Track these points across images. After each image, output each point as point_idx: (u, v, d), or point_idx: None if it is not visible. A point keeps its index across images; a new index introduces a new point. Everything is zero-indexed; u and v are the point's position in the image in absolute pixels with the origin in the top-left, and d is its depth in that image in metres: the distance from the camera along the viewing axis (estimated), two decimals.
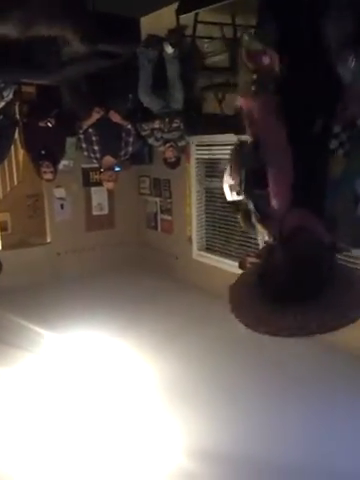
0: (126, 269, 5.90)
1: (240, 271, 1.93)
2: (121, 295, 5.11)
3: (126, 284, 5.49)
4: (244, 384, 3.37)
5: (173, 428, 2.89)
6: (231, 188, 3.11)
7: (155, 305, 4.88)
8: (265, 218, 1.66)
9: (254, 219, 1.77)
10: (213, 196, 5.07)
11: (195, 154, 5.10)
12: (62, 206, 5.72)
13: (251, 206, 1.76)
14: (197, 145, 5.01)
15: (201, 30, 3.25)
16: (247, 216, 2.77)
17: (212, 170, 5.04)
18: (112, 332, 4.27)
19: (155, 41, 3.66)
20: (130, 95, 4.27)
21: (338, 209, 1.53)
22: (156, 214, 5.95)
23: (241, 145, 1.91)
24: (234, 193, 3.11)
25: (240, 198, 3.12)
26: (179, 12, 1.52)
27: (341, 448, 2.65)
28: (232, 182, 3.03)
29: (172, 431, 2.87)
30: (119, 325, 4.37)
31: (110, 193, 5.88)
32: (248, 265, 1.78)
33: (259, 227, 1.76)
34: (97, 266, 5.81)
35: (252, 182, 1.73)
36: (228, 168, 3.10)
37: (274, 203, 1.54)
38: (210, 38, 3.44)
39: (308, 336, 1.44)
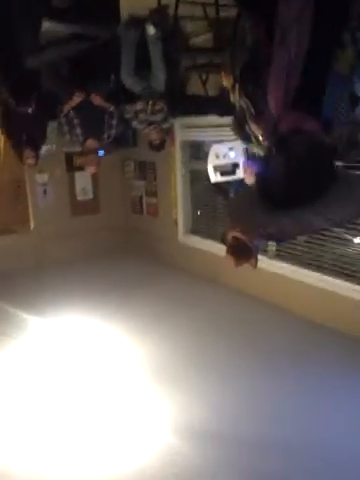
0: (112, 254, 5.89)
1: (224, 248, 1.93)
2: (108, 280, 5.12)
3: (113, 269, 5.50)
4: (232, 363, 3.43)
5: (161, 408, 2.94)
6: (215, 169, 3.09)
7: (142, 289, 4.90)
8: (259, 116, 1.65)
9: (248, 118, 1.74)
10: (198, 178, 5.06)
11: (180, 136, 5.06)
12: (45, 192, 5.64)
13: (245, 104, 1.73)
14: (181, 127, 4.96)
15: (183, 10, 3.19)
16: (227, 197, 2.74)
17: (197, 152, 5.01)
18: (99, 317, 4.28)
19: (137, 22, 3.56)
20: (112, 76, 4.19)
21: (336, 110, 1.51)
22: (141, 198, 5.91)
23: (236, 44, 1.85)
24: (218, 174, 3.10)
25: (225, 179, 3.12)
26: None
27: (329, 424, 2.71)
28: (217, 162, 3.01)
29: (160, 410, 2.91)
30: (106, 310, 4.38)
31: (94, 178, 5.82)
32: (230, 238, 1.79)
33: (253, 126, 1.73)
34: (83, 252, 5.77)
35: (247, 78, 1.71)
36: (213, 148, 3.07)
37: (270, 101, 1.50)
38: (192, 18, 3.37)
39: (313, 232, 1.47)
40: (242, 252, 1.76)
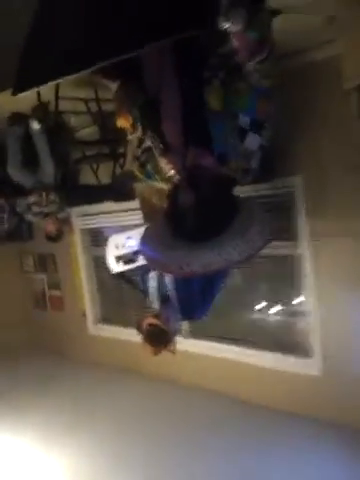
0: (14, 356, 5.31)
1: (139, 337, 1.83)
2: (11, 384, 4.55)
3: (16, 371, 4.92)
4: (158, 457, 3.13)
5: None
6: (117, 259, 3.02)
7: (53, 391, 4.42)
8: (168, 151, 1.68)
9: (157, 154, 1.73)
10: (102, 265, 4.91)
11: (78, 224, 4.96)
12: None
13: (151, 139, 1.74)
14: (79, 215, 4.89)
15: (66, 105, 3.25)
16: (135, 285, 2.67)
17: (97, 238, 4.92)
18: (5, 429, 3.73)
19: (20, 118, 3.56)
20: None
21: (227, 143, 1.60)
22: (44, 291, 5.56)
23: (127, 86, 1.89)
24: (121, 263, 3.02)
25: (128, 267, 3.02)
26: (14, 92, 1.43)
27: None
28: (117, 252, 2.94)
29: None
30: (12, 419, 3.85)
31: None
32: (146, 326, 1.73)
33: (162, 161, 1.71)
34: None
35: (148, 113, 1.74)
36: (111, 239, 3.02)
37: (170, 140, 1.62)
38: (75, 113, 3.45)
39: (233, 266, 1.49)
40: (159, 338, 1.77)
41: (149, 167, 1.77)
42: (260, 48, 1.47)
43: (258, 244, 1.40)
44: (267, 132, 1.65)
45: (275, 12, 2.01)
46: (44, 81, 1.33)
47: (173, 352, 1.80)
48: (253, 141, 1.61)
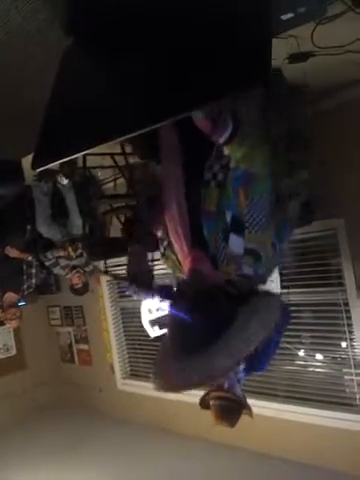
0: (45, 414, 5.17)
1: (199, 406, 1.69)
2: (42, 447, 4.37)
3: (46, 432, 4.75)
4: None
5: None
6: (152, 323, 2.95)
7: (84, 451, 4.22)
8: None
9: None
10: (130, 316, 4.80)
11: (106, 276, 4.90)
12: None
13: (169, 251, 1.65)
14: (107, 267, 4.84)
15: (93, 161, 3.29)
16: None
17: (125, 290, 4.84)
18: None
19: (48, 174, 3.61)
20: (28, 227, 4.10)
21: (217, 245, 1.43)
22: (71, 345, 5.45)
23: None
24: (156, 328, 2.95)
25: (163, 331, 2.94)
26: (34, 166, 1.40)
27: None
28: (151, 317, 2.89)
29: None
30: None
31: (16, 331, 5.32)
32: (214, 402, 1.57)
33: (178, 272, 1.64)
34: (11, 417, 5.00)
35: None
36: (144, 304, 2.96)
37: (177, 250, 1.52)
38: (102, 167, 3.48)
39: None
40: (231, 409, 1.58)
41: (170, 263, 1.68)
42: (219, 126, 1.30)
43: (261, 334, 1.28)
44: (253, 232, 1.35)
45: (306, 55, 2.00)
46: (64, 156, 1.30)
47: (251, 416, 1.63)
48: (235, 243, 1.36)
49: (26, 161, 2.84)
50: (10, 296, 4.29)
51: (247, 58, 0.98)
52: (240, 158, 1.34)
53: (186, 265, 1.49)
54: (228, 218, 1.38)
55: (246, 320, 1.29)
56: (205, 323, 1.32)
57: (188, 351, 1.28)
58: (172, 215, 1.51)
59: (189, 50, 1.15)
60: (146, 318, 2.66)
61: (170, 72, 1.18)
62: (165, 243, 1.61)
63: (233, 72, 0.99)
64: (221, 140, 1.30)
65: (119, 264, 4.59)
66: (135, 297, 1.72)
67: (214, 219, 1.42)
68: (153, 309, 2.56)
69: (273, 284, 3.11)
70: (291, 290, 3.32)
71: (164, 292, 1.57)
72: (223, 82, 1.00)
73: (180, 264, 1.55)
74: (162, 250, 1.65)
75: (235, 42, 1.04)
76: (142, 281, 1.62)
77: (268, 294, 1.44)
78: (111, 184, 3.95)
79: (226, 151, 1.35)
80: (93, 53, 1.49)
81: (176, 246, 1.53)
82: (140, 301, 4.24)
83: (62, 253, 4.07)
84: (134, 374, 4.87)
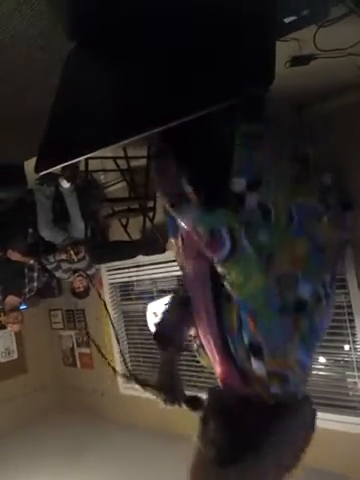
0: (46, 418, 5.15)
1: None
2: (43, 452, 4.35)
3: (48, 436, 4.73)
4: None
5: None
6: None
7: (87, 457, 4.19)
8: None
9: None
10: (132, 320, 4.79)
11: (108, 279, 4.90)
12: None
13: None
14: (108, 270, 4.84)
15: (95, 164, 3.29)
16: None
17: (127, 293, 4.83)
18: None
19: (50, 178, 3.62)
20: (30, 230, 4.10)
21: (243, 363, 1.33)
22: (73, 349, 5.43)
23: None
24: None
25: None
26: (37, 169, 1.40)
27: None
28: (156, 320, 2.90)
29: None
30: None
31: (18, 334, 5.31)
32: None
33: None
34: (13, 421, 4.98)
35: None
36: (149, 307, 2.92)
37: (209, 354, 1.44)
38: (104, 170, 3.48)
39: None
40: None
41: (205, 362, 1.62)
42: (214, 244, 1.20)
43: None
44: (272, 357, 1.25)
45: (308, 58, 1.99)
46: (68, 159, 1.29)
47: None
48: (257, 366, 1.27)
49: (28, 165, 2.84)
50: (12, 299, 4.29)
51: (251, 61, 0.97)
52: (233, 283, 1.23)
53: (218, 372, 1.41)
54: (246, 341, 1.28)
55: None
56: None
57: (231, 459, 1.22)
58: (201, 319, 1.41)
59: (192, 53, 1.14)
60: (151, 321, 2.66)
61: (173, 75, 1.17)
62: (198, 342, 1.53)
63: (237, 75, 0.98)
64: (216, 257, 1.21)
65: (120, 267, 4.59)
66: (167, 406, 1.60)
67: (236, 336, 1.31)
68: (158, 312, 2.56)
69: None
70: None
71: (192, 401, 1.50)
72: (227, 85, 1.00)
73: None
74: (196, 347, 1.56)
75: (239, 45, 1.04)
76: (172, 389, 1.53)
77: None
78: (113, 187, 3.95)
79: (219, 269, 1.24)
80: (96, 57, 1.48)
81: (207, 350, 1.45)
82: (142, 304, 4.24)
83: (64, 256, 4.07)
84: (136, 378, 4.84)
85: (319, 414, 3.37)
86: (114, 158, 3.21)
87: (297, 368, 1.27)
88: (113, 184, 3.88)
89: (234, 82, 0.97)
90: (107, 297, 4.90)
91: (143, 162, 3.09)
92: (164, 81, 1.19)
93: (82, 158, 1.32)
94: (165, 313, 1.69)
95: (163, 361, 1.60)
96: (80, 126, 1.34)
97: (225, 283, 1.26)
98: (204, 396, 1.52)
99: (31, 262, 4.27)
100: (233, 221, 1.19)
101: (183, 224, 1.27)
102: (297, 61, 2.11)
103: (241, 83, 0.96)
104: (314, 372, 3.45)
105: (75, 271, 4.21)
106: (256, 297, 1.23)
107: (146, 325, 3.32)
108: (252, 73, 0.96)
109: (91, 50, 1.53)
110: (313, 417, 1.32)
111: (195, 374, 3.98)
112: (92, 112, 1.33)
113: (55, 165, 1.35)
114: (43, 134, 1.41)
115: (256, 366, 1.28)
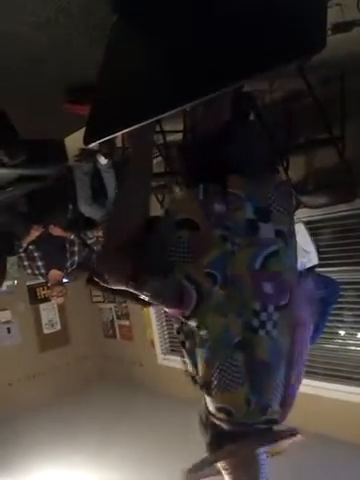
0: (88, 387, 5.40)
1: None
2: (85, 419, 4.58)
3: (90, 404, 4.98)
4: None
5: None
6: None
7: (127, 425, 4.37)
8: None
9: None
10: None
11: None
12: (9, 330, 5.27)
13: None
14: None
15: None
16: None
17: None
18: (78, 467, 3.71)
19: (88, 154, 3.68)
20: (70, 206, 4.20)
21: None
22: (113, 321, 5.62)
23: None
24: None
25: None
26: (86, 142, 1.41)
27: None
28: None
29: None
30: (85, 456, 3.83)
31: (60, 307, 5.54)
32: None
33: None
34: (55, 389, 5.25)
35: None
36: None
37: None
38: None
39: None
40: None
41: None
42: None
43: None
44: (219, 392, 1.31)
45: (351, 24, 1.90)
46: (114, 131, 1.30)
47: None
48: (208, 400, 1.38)
49: (68, 141, 2.89)
50: (55, 273, 4.44)
51: (302, 23, 0.95)
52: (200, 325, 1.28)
53: None
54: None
55: None
56: None
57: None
58: None
59: (242, 17, 1.10)
60: None
61: (219, 42, 1.12)
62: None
63: (288, 39, 0.96)
64: (187, 312, 1.24)
65: None
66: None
67: (270, 369, 1.34)
68: None
69: (311, 255, 3.02)
70: (333, 268, 3.27)
71: None
72: (278, 50, 0.97)
73: None
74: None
75: (289, 7, 1.01)
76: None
77: None
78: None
79: (192, 323, 1.29)
80: (140, 29, 1.46)
81: None
82: None
83: (102, 232, 4.16)
84: (174, 349, 4.98)
85: (356, 389, 3.36)
86: None
87: (243, 405, 1.29)
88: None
89: (286, 46, 0.95)
90: None
91: (179, 137, 3.08)
92: (211, 48, 1.14)
93: (128, 130, 1.30)
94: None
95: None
96: (125, 98, 1.33)
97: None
98: None
99: (72, 237, 4.38)
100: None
101: None
102: (339, 28, 2.02)
103: (293, 47, 0.95)
104: (352, 347, 3.43)
105: None
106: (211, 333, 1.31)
107: None
108: (304, 36, 0.93)
109: (135, 22, 1.50)
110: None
111: None
112: (137, 85, 1.32)
113: (103, 137, 1.35)
114: (90, 106, 1.43)
115: (207, 400, 1.39)
